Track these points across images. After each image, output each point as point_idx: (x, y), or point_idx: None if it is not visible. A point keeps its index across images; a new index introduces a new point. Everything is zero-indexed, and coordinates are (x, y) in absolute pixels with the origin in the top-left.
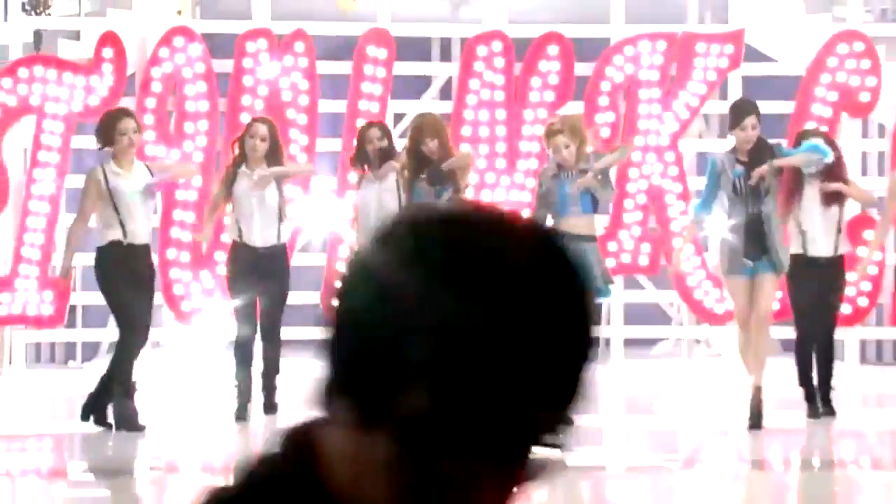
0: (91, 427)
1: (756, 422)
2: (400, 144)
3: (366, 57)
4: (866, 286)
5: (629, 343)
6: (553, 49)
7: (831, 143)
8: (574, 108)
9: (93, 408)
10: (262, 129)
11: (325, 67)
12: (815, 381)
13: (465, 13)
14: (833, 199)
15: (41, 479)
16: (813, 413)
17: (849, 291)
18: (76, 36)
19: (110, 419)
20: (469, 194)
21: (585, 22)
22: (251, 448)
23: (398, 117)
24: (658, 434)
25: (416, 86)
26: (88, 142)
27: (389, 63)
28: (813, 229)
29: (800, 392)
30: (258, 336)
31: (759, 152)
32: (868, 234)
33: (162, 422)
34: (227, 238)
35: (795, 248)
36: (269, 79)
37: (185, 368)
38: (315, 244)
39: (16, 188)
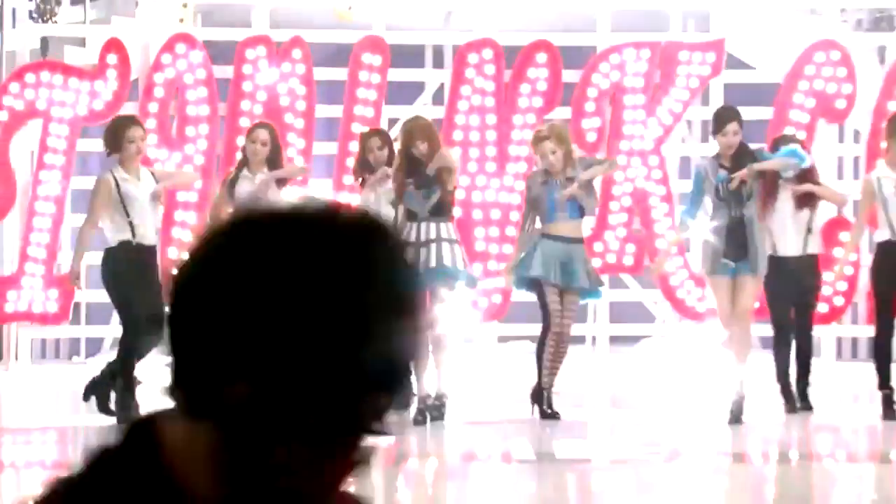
0: (94, 420)
1: (737, 416)
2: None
3: (361, 63)
4: (842, 286)
5: (614, 340)
6: (541, 56)
7: (804, 149)
8: (561, 113)
9: (94, 389)
10: (264, 134)
11: (322, 73)
12: (795, 378)
13: (457, 22)
14: (805, 201)
15: (46, 471)
16: (790, 408)
17: (825, 291)
18: (82, 43)
19: (113, 406)
20: (459, 195)
21: (573, 31)
22: None
23: (392, 122)
24: (642, 428)
25: (410, 91)
26: (93, 145)
27: (384, 69)
28: (783, 230)
29: (778, 388)
30: None
31: (741, 157)
32: (844, 236)
33: None
34: None
35: (767, 249)
36: (268, 84)
37: None
38: None
39: (22, 189)
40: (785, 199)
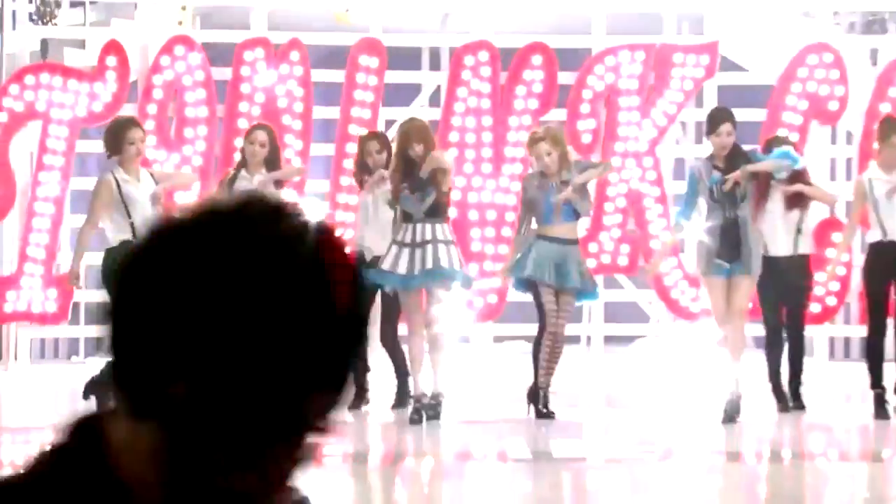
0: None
1: (731, 416)
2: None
3: (358, 66)
4: (835, 286)
5: (609, 340)
6: (537, 59)
7: (796, 150)
8: (557, 115)
9: (94, 388)
10: (262, 135)
11: (320, 75)
12: (788, 377)
13: (454, 24)
14: (795, 202)
15: None
16: (783, 407)
17: (818, 291)
18: (81, 45)
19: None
20: (455, 196)
21: (568, 33)
22: None
23: (389, 123)
24: (636, 427)
25: (407, 93)
26: (92, 146)
27: (381, 71)
28: (773, 230)
29: (770, 387)
30: None
31: (735, 158)
32: (836, 237)
33: None
34: None
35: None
36: (266, 86)
37: None
38: None
39: (22, 190)
40: (776, 199)
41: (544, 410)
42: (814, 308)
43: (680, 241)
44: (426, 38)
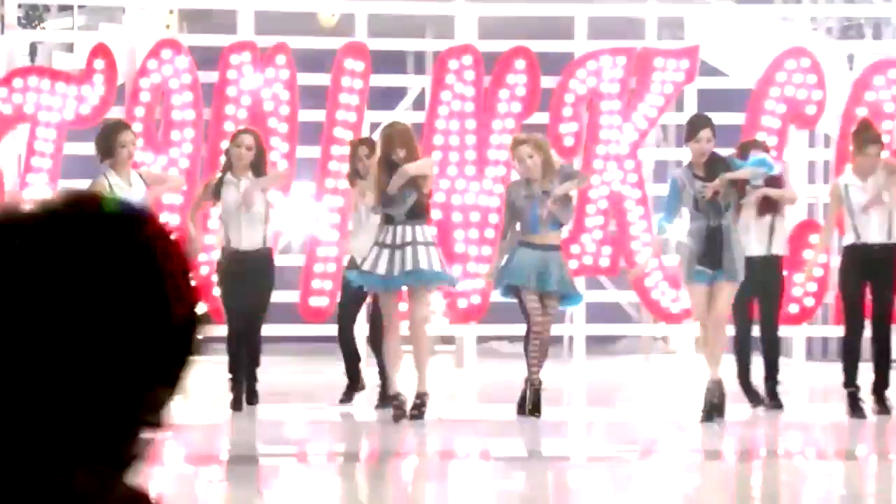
0: None
1: (709, 415)
2: None
3: (344, 69)
4: (812, 287)
5: (591, 340)
6: (520, 63)
7: (770, 154)
8: (540, 118)
9: None
10: (248, 139)
11: (306, 79)
12: (763, 377)
13: (438, 29)
14: (766, 207)
15: None
16: (755, 403)
17: (795, 292)
18: (70, 48)
19: None
20: (439, 199)
21: (551, 37)
22: (242, 435)
23: (374, 126)
24: (618, 426)
25: (392, 96)
26: (79, 148)
27: (366, 75)
28: (746, 231)
29: (738, 384)
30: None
31: (714, 165)
32: (813, 238)
33: None
34: (212, 240)
35: None
36: (252, 89)
37: None
38: (294, 246)
39: (10, 192)
40: (749, 203)
41: (529, 407)
42: (792, 309)
43: (662, 243)
44: (411, 43)
